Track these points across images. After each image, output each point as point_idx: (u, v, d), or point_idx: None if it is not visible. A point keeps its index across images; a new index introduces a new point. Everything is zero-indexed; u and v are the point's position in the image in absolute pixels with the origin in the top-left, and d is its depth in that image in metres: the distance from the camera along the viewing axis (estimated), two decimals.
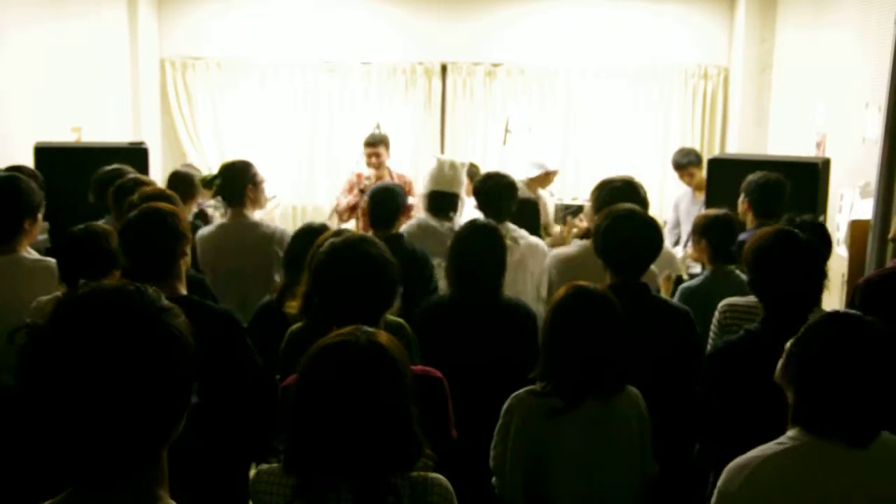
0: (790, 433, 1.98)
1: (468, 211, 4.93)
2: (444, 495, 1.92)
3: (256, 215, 4.49)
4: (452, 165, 4.76)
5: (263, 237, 4.27)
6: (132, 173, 4.45)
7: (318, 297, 2.56)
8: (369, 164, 6.26)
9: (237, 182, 4.31)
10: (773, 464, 1.93)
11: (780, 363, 2.07)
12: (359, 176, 6.33)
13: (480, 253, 3.39)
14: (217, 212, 5.33)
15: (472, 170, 6.72)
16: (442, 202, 4.68)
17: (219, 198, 4.63)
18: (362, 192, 6.11)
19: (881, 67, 5.39)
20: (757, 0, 7.76)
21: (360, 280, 2.47)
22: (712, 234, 3.86)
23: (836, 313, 2.04)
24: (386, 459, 1.86)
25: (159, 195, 3.62)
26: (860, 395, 1.93)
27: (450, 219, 4.63)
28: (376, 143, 6.23)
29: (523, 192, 6.14)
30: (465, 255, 3.41)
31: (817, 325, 2.01)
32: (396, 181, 5.99)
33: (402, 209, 4.42)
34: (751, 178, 4.36)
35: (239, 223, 4.31)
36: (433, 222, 4.58)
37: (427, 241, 4.38)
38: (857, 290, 3.51)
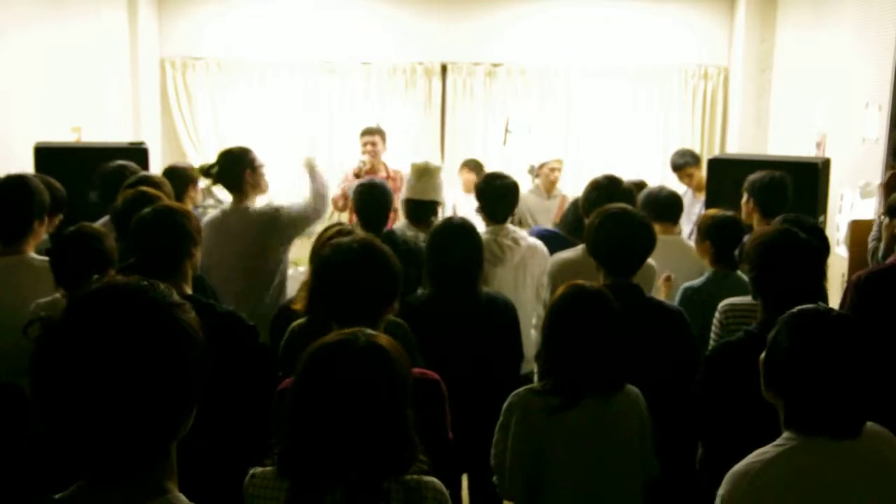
0: (784, 435, 2.01)
1: (469, 210, 4.90)
2: (439, 498, 1.90)
3: (259, 201, 4.42)
4: (426, 170, 4.63)
5: (253, 223, 4.20)
6: (139, 171, 4.43)
7: (320, 294, 2.56)
8: (364, 153, 6.30)
9: (235, 167, 4.25)
10: (772, 470, 1.95)
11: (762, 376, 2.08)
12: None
13: (457, 250, 3.40)
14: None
15: (477, 165, 6.78)
16: (416, 211, 4.57)
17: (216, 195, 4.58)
18: (357, 176, 6.13)
19: (881, 67, 5.41)
20: (757, 0, 7.77)
21: (363, 280, 2.47)
22: (717, 236, 3.84)
23: (791, 316, 2.04)
24: (381, 464, 1.84)
25: (144, 196, 3.58)
26: (838, 387, 1.95)
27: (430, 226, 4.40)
28: (373, 133, 6.32)
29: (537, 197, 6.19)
30: (441, 252, 3.42)
31: (782, 329, 2.03)
32: (392, 176, 6.05)
33: (391, 207, 4.38)
34: (753, 177, 4.28)
35: (237, 209, 4.27)
36: (409, 232, 4.44)
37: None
38: (851, 286, 3.51)
